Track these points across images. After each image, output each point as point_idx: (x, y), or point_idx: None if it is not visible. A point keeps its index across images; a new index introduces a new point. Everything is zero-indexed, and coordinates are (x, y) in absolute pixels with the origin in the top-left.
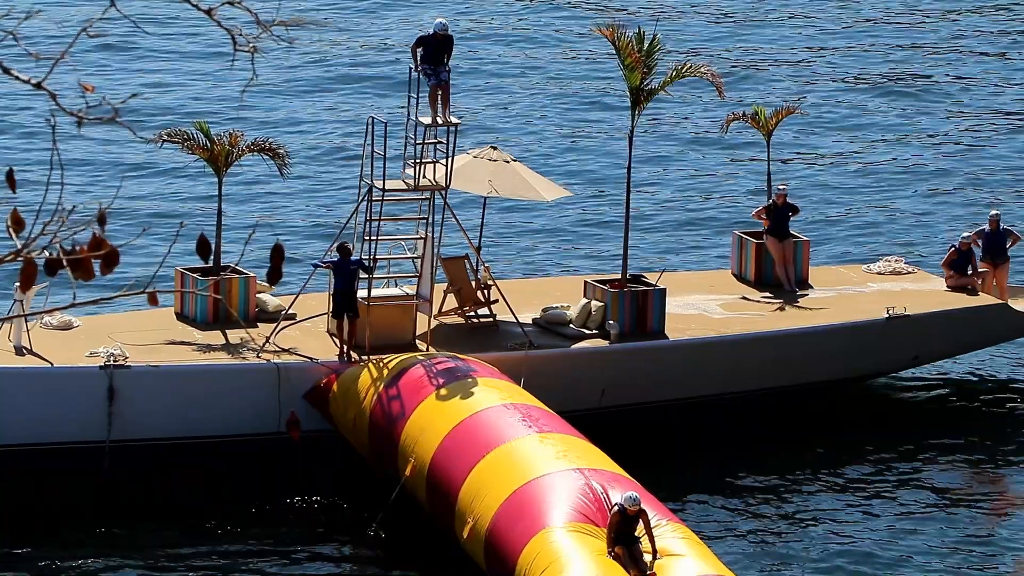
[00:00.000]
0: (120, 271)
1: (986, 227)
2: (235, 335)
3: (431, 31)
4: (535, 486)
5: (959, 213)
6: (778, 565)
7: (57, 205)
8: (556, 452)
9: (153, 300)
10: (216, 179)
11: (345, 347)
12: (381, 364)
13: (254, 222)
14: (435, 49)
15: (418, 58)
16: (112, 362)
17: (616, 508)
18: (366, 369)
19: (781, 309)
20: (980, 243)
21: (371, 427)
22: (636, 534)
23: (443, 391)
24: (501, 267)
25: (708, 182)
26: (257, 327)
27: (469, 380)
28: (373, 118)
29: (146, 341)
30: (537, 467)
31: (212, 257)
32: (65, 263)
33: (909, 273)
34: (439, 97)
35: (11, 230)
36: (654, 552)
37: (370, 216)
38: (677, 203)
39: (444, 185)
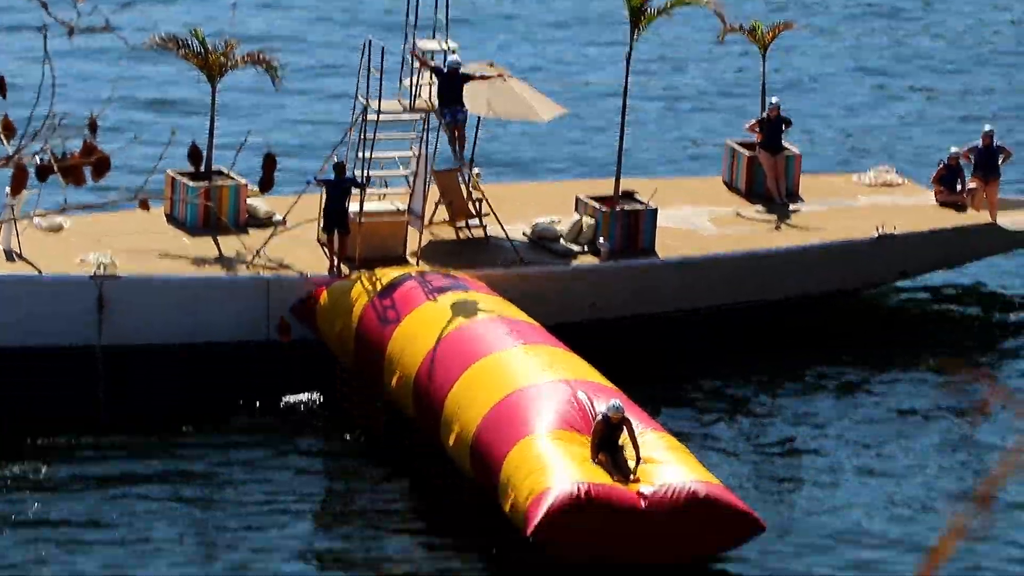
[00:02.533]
0: (111, 178)
1: (979, 142)
2: (225, 241)
3: (444, 68)
4: (521, 395)
5: (952, 127)
6: (762, 475)
7: (49, 112)
8: (542, 363)
9: (144, 206)
10: (210, 87)
11: (335, 260)
12: (370, 277)
13: (246, 131)
14: (449, 87)
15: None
16: (102, 271)
17: (600, 417)
18: (354, 282)
19: (771, 226)
20: (972, 159)
21: (357, 339)
22: (620, 443)
23: (431, 305)
24: (493, 175)
25: (702, 97)
26: (247, 233)
27: (458, 295)
28: (370, 39)
29: (136, 246)
30: (523, 377)
31: (203, 164)
32: (56, 169)
33: (899, 185)
34: (455, 136)
35: (2, 136)
36: (637, 458)
37: (364, 136)
38: (671, 117)
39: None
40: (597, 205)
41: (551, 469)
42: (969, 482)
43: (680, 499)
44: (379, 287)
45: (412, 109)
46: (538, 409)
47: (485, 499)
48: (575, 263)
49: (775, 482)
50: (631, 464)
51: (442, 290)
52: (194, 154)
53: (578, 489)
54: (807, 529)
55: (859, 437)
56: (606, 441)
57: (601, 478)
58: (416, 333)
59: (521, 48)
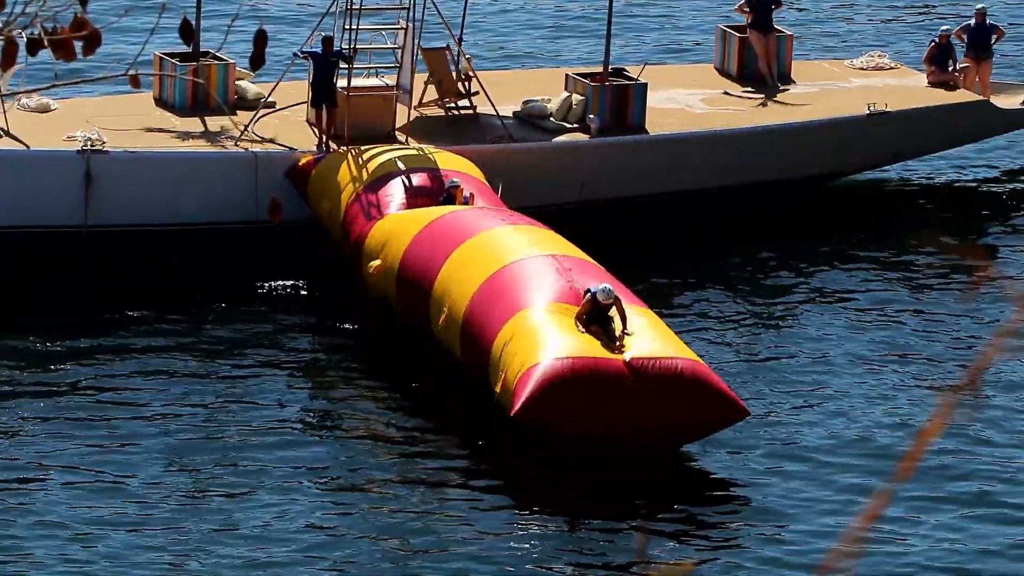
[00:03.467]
0: (101, 54)
1: (971, 21)
2: (214, 122)
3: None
4: (510, 271)
5: (945, 12)
6: (748, 362)
7: None
8: (530, 240)
9: (135, 83)
10: None
11: (324, 136)
12: (358, 158)
13: (236, 8)
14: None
15: None
16: (89, 146)
17: (589, 295)
18: (343, 161)
19: (762, 104)
20: (964, 38)
21: (344, 222)
22: (609, 315)
23: (420, 192)
24: (482, 60)
25: None
26: (236, 114)
27: (447, 184)
28: None
29: (124, 126)
30: (511, 253)
31: (193, 42)
32: (46, 43)
33: (892, 69)
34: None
35: None
36: (624, 330)
37: (350, 5)
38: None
39: None
40: (586, 81)
41: (538, 346)
42: (958, 364)
43: (667, 371)
44: (366, 172)
45: None
46: (527, 284)
47: (474, 380)
48: (564, 138)
49: (760, 370)
50: (619, 335)
51: (431, 179)
52: (185, 29)
53: (562, 365)
54: (790, 418)
55: (846, 324)
56: (595, 317)
57: (590, 348)
58: (401, 221)
59: None
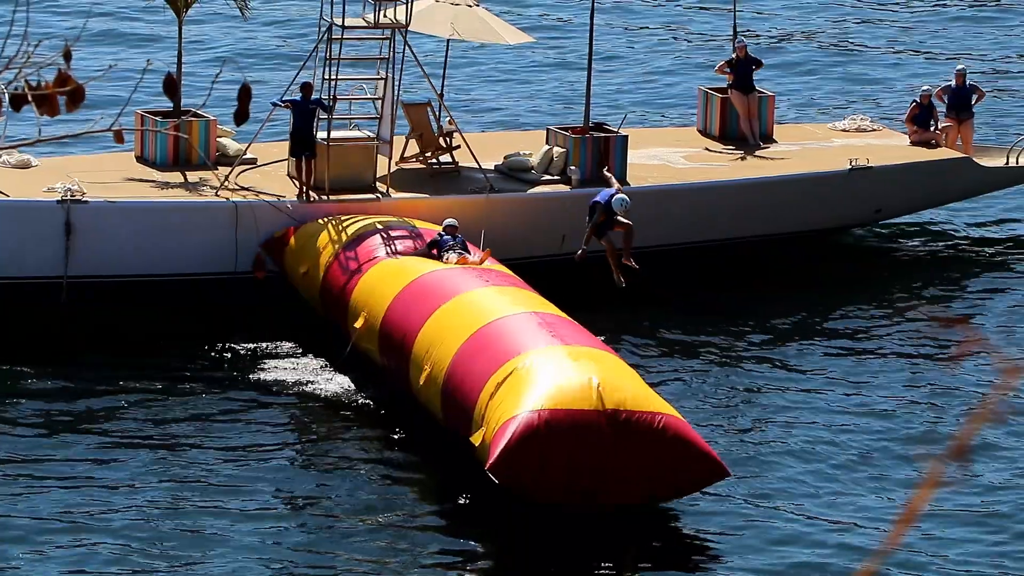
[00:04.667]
0: (84, 112)
1: (952, 82)
2: (195, 177)
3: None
4: (492, 328)
5: (922, 73)
6: (726, 419)
7: (22, 42)
8: (512, 300)
9: (119, 138)
10: (176, 20)
11: (304, 187)
12: (338, 223)
13: (218, 64)
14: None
15: None
16: (69, 197)
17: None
18: (323, 226)
19: (744, 159)
20: (945, 99)
21: (323, 282)
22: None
23: (399, 255)
24: (464, 116)
25: (673, 37)
26: (217, 170)
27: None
28: None
29: (105, 180)
30: (493, 312)
31: (176, 98)
32: (30, 98)
33: (874, 130)
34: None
35: None
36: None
37: (330, 55)
38: (641, 56)
39: (404, 24)
40: (567, 133)
41: (517, 397)
42: (944, 430)
43: (646, 425)
44: (346, 234)
45: (377, 25)
46: (510, 338)
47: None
48: (545, 189)
49: (739, 427)
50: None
51: (410, 242)
52: (169, 85)
53: (538, 417)
54: (771, 476)
55: (829, 384)
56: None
57: (570, 399)
58: (381, 280)
59: None
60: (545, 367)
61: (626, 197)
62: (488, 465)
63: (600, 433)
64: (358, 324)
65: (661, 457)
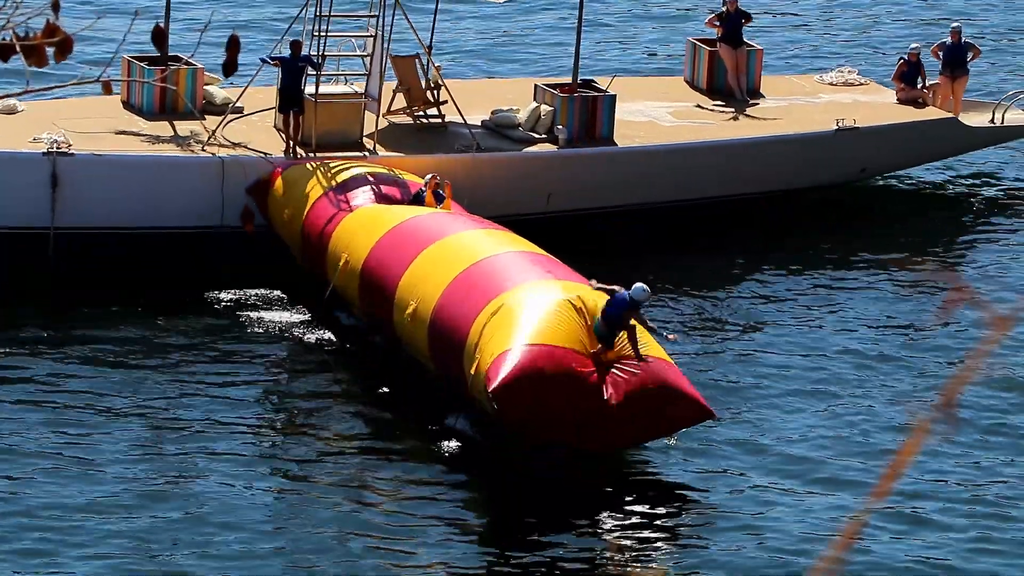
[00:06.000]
0: (72, 60)
1: (947, 39)
2: (182, 126)
3: None
4: (483, 265)
5: (915, 32)
6: (715, 363)
7: None
8: (500, 241)
9: (107, 89)
10: None
11: (291, 143)
12: (324, 168)
13: (208, 14)
14: None
15: None
16: (55, 149)
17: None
18: (308, 170)
19: (731, 119)
20: (940, 55)
21: (305, 225)
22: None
23: (384, 199)
24: (451, 68)
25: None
26: (204, 119)
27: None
28: None
29: (91, 129)
30: (483, 251)
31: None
32: (18, 48)
33: (861, 85)
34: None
35: None
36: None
37: (319, 11)
38: (632, 8)
39: None
40: (555, 92)
41: (516, 329)
42: (931, 385)
43: (637, 366)
44: (332, 179)
45: None
46: (502, 274)
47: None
48: (531, 149)
49: (727, 373)
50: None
51: (395, 189)
52: (158, 35)
53: (539, 351)
54: (758, 428)
55: (817, 339)
56: (613, 321)
57: (567, 337)
58: (365, 223)
59: None
60: (542, 301)
61: (643, 285)
62: (492, 388)
63: (596, 367)
64: (340, 264)
65: (649, 397)
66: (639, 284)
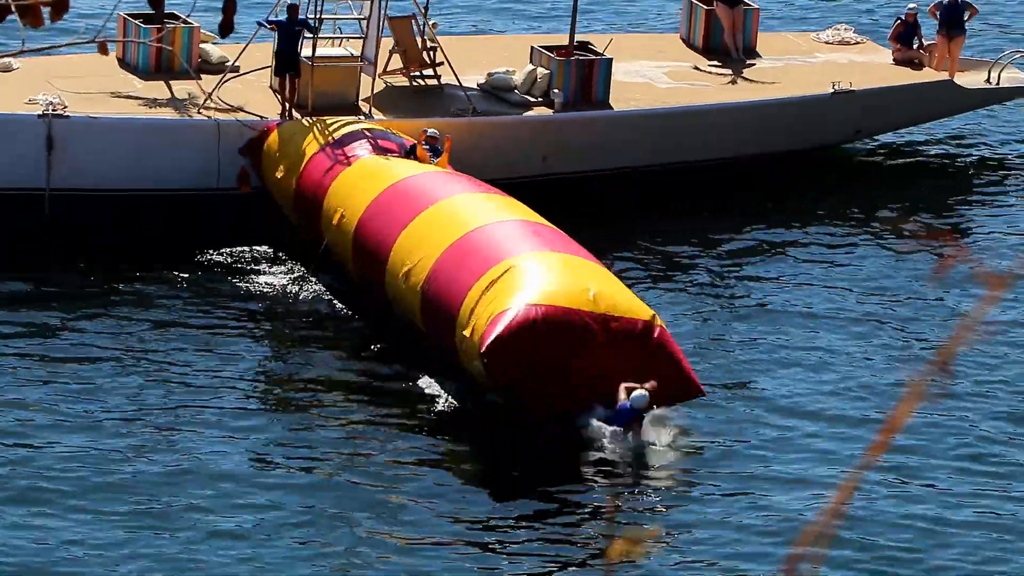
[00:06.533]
0: (68, 17)
1: None
2: (177, 86)
3: None
4: (480, 233)
5: None
6: (710, 333)
7: None
8: (497, 206)
9: (103, 49)
10: None
11: (287, 105)
12: (320, 124)
13: None
14: None
15: None
16: (50, 111)
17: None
18: (303, 126)
19: (728, 81)
20: (938, 14)
21: (299, 182)
22: None
23: (380, 157)
24: (448, 25)
25: None
26: (200, 78)
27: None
28: None
29: (86, 89)
30: (479, 218)
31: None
32: (14, 8)
33: (857, 43)
34: None
35: None
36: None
37: None
38: None
39: None
40: (551, 55)
41: (512, 292)
42: (928, 342)
43: (635, 334)
44: (326, 137)
45: None
46: (501, 244)
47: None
48: (527, 113)
49: (721, 344)
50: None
51: (391, 148)
52: None
53: (535, 311)
54: (752, 395)
55: (811, 299)
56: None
57: (565, 297)
58: (359, 182)
59: None
60: (540, 268)
61: (643, 393)
62: (482, 349)
63: (592, 335)
64: (334, 221)
65: (645, 368)
66: (638, 391)
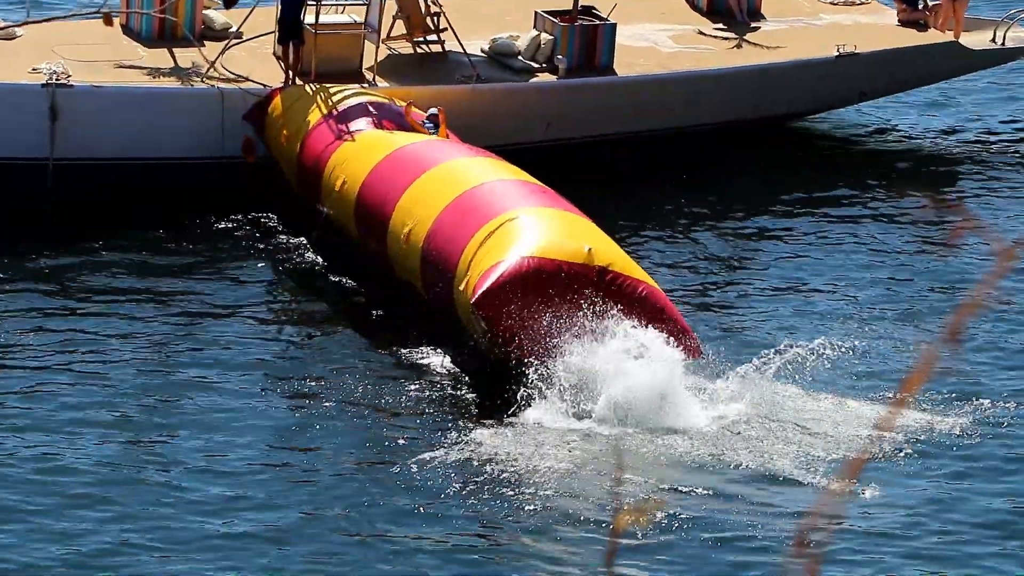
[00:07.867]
0: None
1: None
2: (181, 53)
3: None
4: (477, 192)
5: None
6: (708, 298)
7: None
8: (495, 168)
9: (108, 21)
10: None
11: (291, 72)
12: (324, 90)
13: None
14: None
15: None
16: (54, 80)
17: None
18: (307, 92)
19: (733, 45)
20: None
21: (302, 148)
22: None
23: (381, 125)
24: None
25: None
26: (204, 45)
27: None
28: None
29: (90, 56)
30: (477, 178)
31: None
32: None
33: (862, 4)
34: None
35: None
36: None
37: None
38: None
39: None
40: (555, 20)
41: (506, 246)
42: (938, 313)
43: (630, 291)
44: (329, 103)
45: None
46: (497, 201)
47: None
48: (531, 80)
49: (720, 310)
50: None
51: (392, 116)
52: None
53: (527, 262)
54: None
55: (815, 269)
56: None
57: (560, 250)
58: (361, 149)
59: None
60: (535, 222)
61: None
62: (473, 299)
63: (587, 289)
64: (336, 188)
65: (640, 327)
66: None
